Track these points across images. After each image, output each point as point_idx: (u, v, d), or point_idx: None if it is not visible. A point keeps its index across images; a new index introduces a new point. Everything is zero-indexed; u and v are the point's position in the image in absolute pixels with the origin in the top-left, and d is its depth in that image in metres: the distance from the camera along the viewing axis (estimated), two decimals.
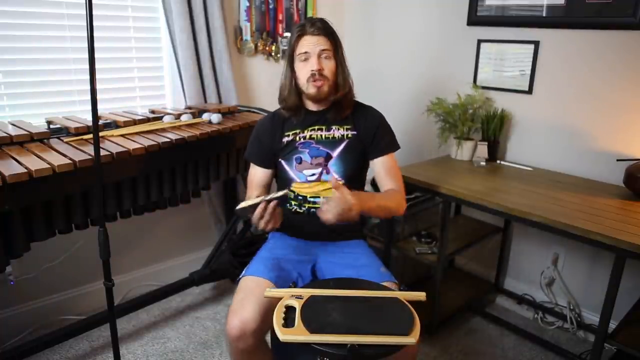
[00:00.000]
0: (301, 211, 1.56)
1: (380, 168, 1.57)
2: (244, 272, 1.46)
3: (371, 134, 1.55)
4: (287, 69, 1.53)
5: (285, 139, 1.55)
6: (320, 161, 1.52)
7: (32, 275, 2.08)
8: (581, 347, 2.13)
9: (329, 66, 1.47)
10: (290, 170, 1.55)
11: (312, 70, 1.44)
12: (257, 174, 1.60)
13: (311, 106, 1.56)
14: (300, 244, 1.59)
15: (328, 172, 1.52)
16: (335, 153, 1.53)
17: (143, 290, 2.39)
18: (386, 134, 1.58)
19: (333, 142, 1.53)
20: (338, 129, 1.54)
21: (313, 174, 1.53)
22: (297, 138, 1.54)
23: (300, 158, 1.53)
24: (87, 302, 2.27)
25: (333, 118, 1.54)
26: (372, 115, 1.59)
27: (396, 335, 1.08)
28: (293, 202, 1.57)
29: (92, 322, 1.93)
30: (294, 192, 1.54)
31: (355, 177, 1.57)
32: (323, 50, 1.45)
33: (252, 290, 1.33)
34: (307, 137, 1.54)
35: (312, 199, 1.53)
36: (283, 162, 1.56)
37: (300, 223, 1.58)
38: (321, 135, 1.54)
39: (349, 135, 1.54)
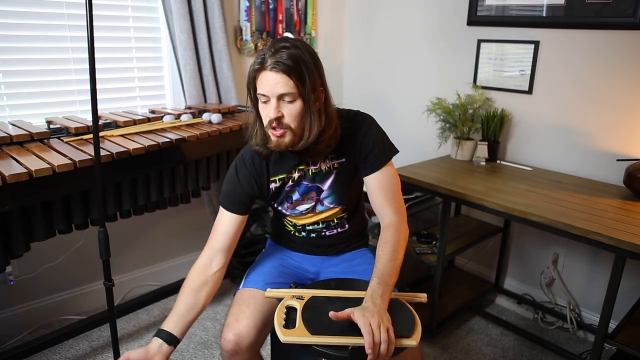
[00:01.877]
0: (300, 236, 1.49)
1: (372, 186, 1.34)
2: (241, 283, 1.41)
3: (358, 152, 1.33)
4: (251, 104, 1.27)
5: (272, 185, 1.36)
6: (312, 195, 1.39)
7: (32, 275, 2.07)
8: (581, 347, 2.13)
9: (292, 112, 1.19)
10: (283, 210, 1.43)
11: (270, 118, 1.19)
12: (223, 223, 1.34)
13: None
14: (301, 257, 1.53)
15: (322, 204, 1.40)
16: (325, 186, 1.37)
17: (143, 290, 2.39)
18: (375, 145, 1.32)
19: (321, 176, 1.36)
20: (324, 161, 1.35)
21: (307, 208, 1.41)
22: (285, 180, 1.36)
23: (292, 198, 1.39)
24: (87, 302, 2.27)
25: (313, 158, 1.33)
26: (356, 130, 1.34)
27: (397, 338, 1.08)
28: (291, 228, 1.49)
29: (92, 322, 1.93)
30: (290, 221, 1.48)
31: (352, 199, 1.45)
32: (283, 94, 1.17)
33: (247, 302, 1.28)
34: (296, 177, 1.36)
35: (310, 227, 1.46)
36: (275, 205, 1.43)
37: (301, 244, 1.52)
38: (309, 170, 1.36)
39: (336, 165, 1.35)
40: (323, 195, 1.39)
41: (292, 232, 1.51)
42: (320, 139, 1.25)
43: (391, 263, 1.21)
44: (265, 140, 1.28)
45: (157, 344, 1.19)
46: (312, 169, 1.36)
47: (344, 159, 1.35)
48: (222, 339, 1.23)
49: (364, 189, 1.42)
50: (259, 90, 1.20)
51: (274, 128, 1.21)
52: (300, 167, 1.35)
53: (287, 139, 1.22)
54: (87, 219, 1.59)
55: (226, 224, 1.34)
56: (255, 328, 1.23)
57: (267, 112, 1.20)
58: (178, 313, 1.24)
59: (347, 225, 1.48)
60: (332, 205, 1.40)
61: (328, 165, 1.36)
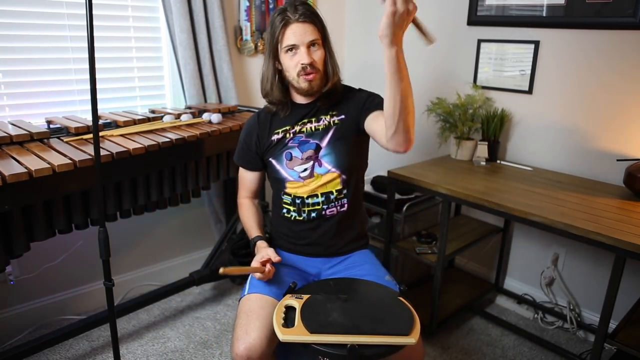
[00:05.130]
0: (301, 218, 1.48)
1: (377, 116, 1.36)
2: (244, 290, 1.38)
3: (355, 105, 1.44)
4: (270, 61, 1.41)
5: (274, 137, 1.46)
6: (311, 154, 1.43)
7: (32, 275, 2.08)
8: (581, 347, 2.13)
9: (319, 57, 1.37)
10: (282, 169, 1.46)
11: (303, 64, 1.34)
12: (247, 177, 1.56)
13: (299, 99, 1.47)
14: (302, 260, 1.52)
15: (321, 165, 1.43)
16: (324, 143, 1.43)
17: (143, 290, 2.39)
18: (370, 95, 1.45)
19: (322, 132, 1.44)
20: (325, 118, 1.45)
21: (305, 170, 1.43)
22: (288, 135, 1.45)
23: (291, 154, 1.44)
24: (87, 302, 2.27)
25: (323, 106, 1.45)
26: (352, 92, 1.49)
27: (396, 336, 1.08)
28: (291, 209, 1.48)
29: (92, 322, 1.93)
30: (290, 195, 1.47)
31: (351, 167, 1.45)
32: (312, 41, 1.35)
33: (257, 313, 1.26)
34: (297, 131, 1.45)
35: (310, 201, 1.45)
36: (273, 161, 1.47)
37: (302, 234, 1.50)
38: (311, 128, 1.45)
39: (336, 122, 1.44)
40: (322, 153, 1.44)
41: (292, 218, 1.49)
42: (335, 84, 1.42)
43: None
44: (284, 91, 1.45)
45: (263, 243, 1.43)
46: (315, 125, 1.45)
47: (343, 116, 1.46)
48: (233, 352, 1.22)
49: (368, 127, 1.40)
50: (287, 42, 1.34)
51: (307, 74, 1.36)
52: (303, 121, 1.46)
53: (318, 80, 1.39)
54: (87, 219, 1.60)
55: (246, 179, 1.57)
56: (266, 338, 1.22)
57: (299, 60, 1.35)
58: (254, 224, 1.51)
59: (346, 205, 1.47)
60: (330, 167, 1.43)
61: (328, 121, 1.45)
